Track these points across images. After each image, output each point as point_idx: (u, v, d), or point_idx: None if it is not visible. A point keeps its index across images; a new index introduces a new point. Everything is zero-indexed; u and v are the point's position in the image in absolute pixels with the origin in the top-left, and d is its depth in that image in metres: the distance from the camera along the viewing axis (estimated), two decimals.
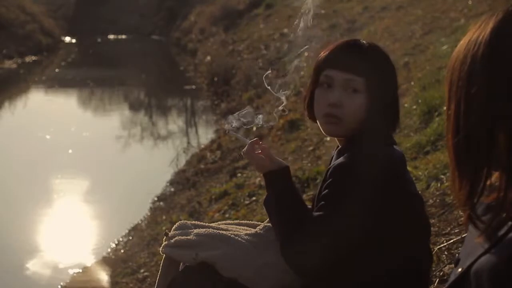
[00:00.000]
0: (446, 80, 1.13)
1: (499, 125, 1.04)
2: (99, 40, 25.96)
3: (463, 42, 1.12)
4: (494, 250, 1.05)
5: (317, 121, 1.88)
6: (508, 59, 1.05)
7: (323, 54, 1.88)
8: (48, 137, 9.58)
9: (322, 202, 1.74)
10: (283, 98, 2.00)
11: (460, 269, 1.13)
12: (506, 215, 1.05)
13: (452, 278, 1.16)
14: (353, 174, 1.70)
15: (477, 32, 1.10)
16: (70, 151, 8.70)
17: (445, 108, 1.12)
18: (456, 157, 1.11)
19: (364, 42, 1.86)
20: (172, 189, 6.85)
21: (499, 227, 1.06)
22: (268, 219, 1.95)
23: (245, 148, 1.93)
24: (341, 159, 1.75)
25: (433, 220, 3.05)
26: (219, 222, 2.15)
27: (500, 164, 1.06)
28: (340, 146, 1.89)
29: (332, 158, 1.92)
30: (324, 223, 1.71)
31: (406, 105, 5.18)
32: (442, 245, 2.83)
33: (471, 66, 1.08)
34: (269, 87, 2.00)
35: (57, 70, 18.23)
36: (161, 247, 1.97)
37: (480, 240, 1.08)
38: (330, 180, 1.73)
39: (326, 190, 1.73)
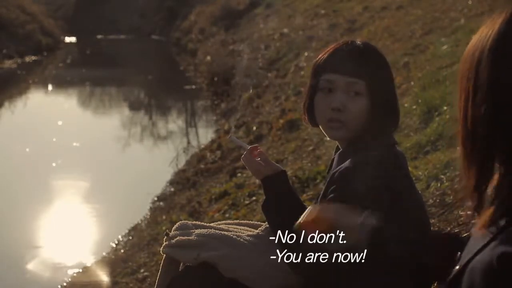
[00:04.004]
0: (459, 73, 1.16)
1: (502, 117, 1.06)
2: (99, 40, 25.95)
3: (475, 37, 1.15)
4: (488, 247, 1.06)
5: (320, 126, 1.86)
6: None
7: (321, 58, 1.85)
8: (46, 137, 9.58)
9: None
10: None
11: (457, 267, 1.14)
12: (503, 207, 1.07)
13: (450, 276, 1.17)
14: (359, 178, 1.68)
15: (487, 27, 1.13)
16: (68, 152, 8.70)
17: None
18: (464, 148, 1.13)
19: (360, 43, 1.84)
20: (172, 189, 6.84)
21: (496, 222, 1.07)
22: None
23: (244, 154, 1.94)
24: (347, 163, 1.73)
25: (433, 220, 3.05)
26: (219, 222, 2.15)
27: (501, 156, 1.08)
28: (341, 149, 1.87)
29: (332, 160, 1.90)
30: None
31: (406, 105, 5.18)
32: None
33: (479, 59, 1.10)
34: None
35: (57, 70, 18.22)
36: (162, 247, 1.97)
37: (479, 234, 1.09)
38: (336, 184, 1.71)
39: (332, 195, 1.72)
